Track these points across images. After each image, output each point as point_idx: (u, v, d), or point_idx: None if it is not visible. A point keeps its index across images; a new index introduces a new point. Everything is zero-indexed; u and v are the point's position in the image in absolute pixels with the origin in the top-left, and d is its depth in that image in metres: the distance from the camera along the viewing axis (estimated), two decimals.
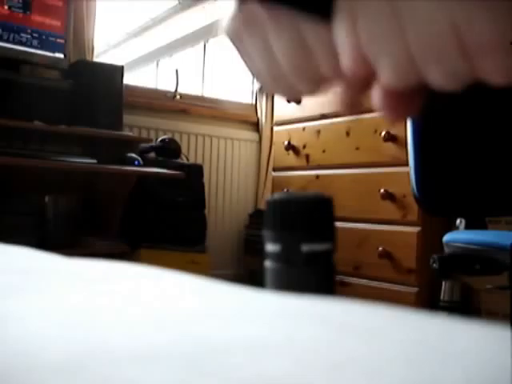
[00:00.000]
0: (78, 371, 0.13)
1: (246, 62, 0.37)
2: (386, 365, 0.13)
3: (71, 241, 2.07)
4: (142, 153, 2.29)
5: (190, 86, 2.95)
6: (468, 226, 1.15)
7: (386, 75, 0.28)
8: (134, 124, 2.57)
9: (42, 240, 1.98)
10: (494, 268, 1.04)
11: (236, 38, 0.36)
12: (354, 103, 0.34)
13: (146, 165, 2.16)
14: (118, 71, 2.32)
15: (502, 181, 0.97)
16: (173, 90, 2.84)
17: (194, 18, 3.74)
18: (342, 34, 0.29)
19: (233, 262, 2.90)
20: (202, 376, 0.13)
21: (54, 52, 2.22)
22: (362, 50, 0.29)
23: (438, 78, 0.27)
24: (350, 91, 0.33)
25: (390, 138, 2.13)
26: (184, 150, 2.65)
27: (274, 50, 0.33)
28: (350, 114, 0.36)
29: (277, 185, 2.69)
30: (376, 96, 0.30)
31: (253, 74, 0.37)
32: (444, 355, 0.13)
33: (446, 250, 1.13)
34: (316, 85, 0.34)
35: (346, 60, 0.30)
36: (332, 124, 2.40)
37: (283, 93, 0.37)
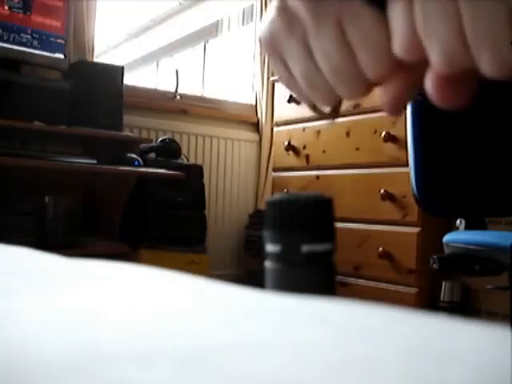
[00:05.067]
0: (77, 371, 0.13)
1: (279, 68, 0.36)
2: (386, 365, 0.13)
3: (71, 241, 2.07)
4: (142, 153, 2.29)
5: (189, 86, 2.95)
6: (468, 227, 1.15)
7: (438, 59, 0.28)
8: (134, 124, 2.57)
9: (41, 240, 1.98)
10: (494, 268, 1.04)
11: (273, 42, 0.35)
12: (400, 103, 0.33)
13: (146, 165, 2.16)
14: (118, 71, 2.32)
15: (502, 181, 0.97)
16: (173, 90, 2.84)
17: (194, 19, 3.74)
18: (397, 17, 0.29)
19: (233, 262, 2.90)
20: (201, 376, 0.13)
21: (54, 52, 2.22)
22: (417, 33, 0.28)
23: (490, 64, 0.27)
24: (394, 91, 0.32)
25: (390, 138, 2.13)
26: (184, 150, 2.65)
27: (315, 51, 0.33)
28: (395, 114, 0.34)
29: (277, 185, 2.69)
30: (428, 82, 0.30)
31: (286, 83, 0.36)
32: (444, 356, 0.13)
33: (446, 250, 1.13)
34: (358, 88, 0.33)
35: (400, 44, 0.29)
36: (332, 124, 2.40)
37: (321, 98, 0.36)
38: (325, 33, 0.31)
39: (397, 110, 0.33)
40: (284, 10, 0.33)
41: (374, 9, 0.30)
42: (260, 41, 0.36)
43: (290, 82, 0.36)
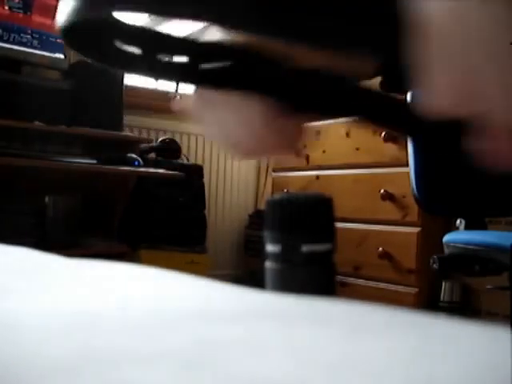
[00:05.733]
0: (77, 371, 0.13)
1: (206, 129, 0.46)
2: (386, 365, 0.13)
3: (71, 241, 2.06)
4: (143, 153, 2.29)
5: (189, 86, 2.94)
6: (468, 227, 1.15)
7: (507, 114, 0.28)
8: (134, 124, 2.57)
9: (42, 240, 1.98)
10: (494, 268, 1.04)
11: (196, 111, 0.45)
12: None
13: (146, 165, 2.16)
14: (118, 71, 2.32)
15: (502, 181, 0.97)
16: (173, 90, 2.84)
17: None
18: (434, 73, 0.29)
19: (233, 262, 2.90)
20: (201, 376, 0.13)
21: (54, 52, 2.22)
22: (466, 88, 0.28)
23: None
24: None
25: (390, 138, 2.13)
26: (184, 150, 2.64)
27: (223, 125, 0.43)
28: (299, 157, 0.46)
29: (277, 185, 2.69)
30: (486, 145, 0.30)
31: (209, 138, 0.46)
32: (444, 356, 0.13)
33: (446, 250, 1.13)
34: (250, 155, 0.45)
35: (444, 102, 0.30)
36: (332, 124, 2.41)
37: (232, 153, 0.47)
38: (231, 115, 0.42)
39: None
40: (202, 92, 0.44)
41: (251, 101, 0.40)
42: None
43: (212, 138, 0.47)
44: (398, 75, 0.32)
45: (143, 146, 2.38)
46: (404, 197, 2.08)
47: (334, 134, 2.39)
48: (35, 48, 2.17)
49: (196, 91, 0.44)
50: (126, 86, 2.37)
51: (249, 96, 0.39)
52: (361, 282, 2.23)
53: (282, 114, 0.39)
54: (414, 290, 2.08)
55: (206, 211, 2.48)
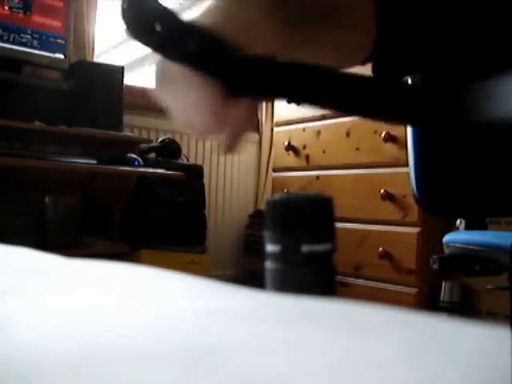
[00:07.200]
0: (77, 371, 0.13)
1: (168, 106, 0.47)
2: (386, 365, 0.13)
3: (71, 241, 2.06)
4: (142, 153, 2.29)
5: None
6: (468, 227, 1.15)
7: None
8: (134, 124, 2.57)
9: (42, 240, 1.98)
10: (494, 268, 1.04)
11: (158, 87, 0.47)
12: (233, 145, 0.44)
13: (146, 165, 2.16)
14: (118, 72, 2.32)
15: (502, 181, 0.97)
16: None
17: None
18: None
19: (233, 262, 2.90)
20: (201, 376, 0.13)
21: (54, 52, 2.22)
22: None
23: None
24: (229, 139, 0.44)
25: (390, 138, 2.13)
26: (184, 150, 2.64)
27: (182, 103, 0.44)
28: (229, 153, 0.47)
29: (277, 185, 2.69)
30: None
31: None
32: (444, 356, 0.13)
33: (446, 250, 1.13)
34: (201, 135, 0.45)
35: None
36: (332, 124, 2.41)
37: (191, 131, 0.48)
38: (189, 93, 0.43)
39: (230, 150, 0.44)
40: (164, 63, 0.44)
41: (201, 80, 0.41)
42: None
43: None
44: (388, 58, 0.33)
45: (143, 146, 2.38)
46: (404, 197, 2.08)
47: (334, 134, 2.39)
48: (35, 48, 2.17)
49: (157, 67, 0.45)
50: (126, 86, 2.37)
51: (202, 78, 0.41)
52: (361, 281, 2.23)
53: (228, 100, 0.42)
54: (413, 290, 2.08)
55: (206, 211, 2.48)
